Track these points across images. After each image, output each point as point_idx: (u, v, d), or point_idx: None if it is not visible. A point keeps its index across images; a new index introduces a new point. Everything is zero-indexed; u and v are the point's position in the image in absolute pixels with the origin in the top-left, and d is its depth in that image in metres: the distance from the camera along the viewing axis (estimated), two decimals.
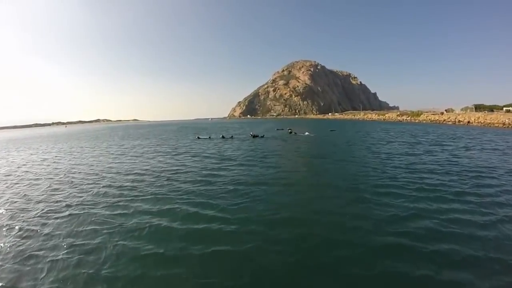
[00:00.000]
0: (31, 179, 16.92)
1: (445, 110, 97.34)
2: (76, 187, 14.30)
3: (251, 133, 44.39)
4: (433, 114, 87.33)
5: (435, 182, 12.85)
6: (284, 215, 9.50)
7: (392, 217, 9.10)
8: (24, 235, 8.66)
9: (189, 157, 22.73)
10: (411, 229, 8.22)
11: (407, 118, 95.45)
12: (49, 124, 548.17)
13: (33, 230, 9.01)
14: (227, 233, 8.33)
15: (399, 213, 9.35)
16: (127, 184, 14.34)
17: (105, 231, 8.69)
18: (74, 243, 7.93)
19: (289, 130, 47.34)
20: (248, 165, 17.80)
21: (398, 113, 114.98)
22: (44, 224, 9.43)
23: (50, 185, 14.97)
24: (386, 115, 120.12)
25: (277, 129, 58.55)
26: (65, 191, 13.63)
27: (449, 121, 72.28)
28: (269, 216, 9.43)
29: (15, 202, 12.20)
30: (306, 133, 43.84)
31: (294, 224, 8.86)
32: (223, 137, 40.03)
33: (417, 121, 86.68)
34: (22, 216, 10.35)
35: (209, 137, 41.31)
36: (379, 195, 11.15)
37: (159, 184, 14.09)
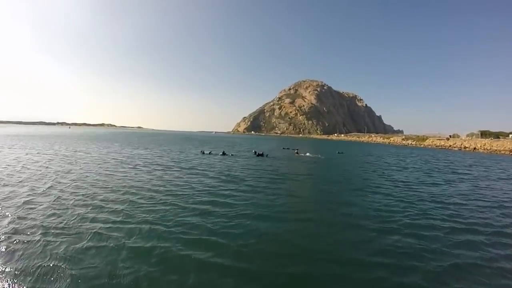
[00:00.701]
0: (9, 184, 14.76)
1: (449, 136, 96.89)
2: (53, 203, 11.51)
3: (254, 151, 41.76)
4: (439, 139, 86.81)
5: (470, 220, 11.39)
6: (300, 267, 7.09)
7: (451, 268, 7.25)
8: None
9: (189, 175, 19.90)
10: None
11: (412, 143, 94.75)
12: (53, 124, 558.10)
13: None
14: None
15: (457, 262, 7.58)
16: (108, 205, 11.51)
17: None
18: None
19: (296, 151, 45.32)
20: (253, 191, 15.10)
21: (403, 137, 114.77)
22: None
23: (28, 191, 13.28)
24: (391, 138, 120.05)
25: (283, 148, 56.01)
26: (38, 205, 11.24)
27: (455, 147, 71.66)
28: (281, 269, 6.98)
29: None
30: (313, 155, 41.91)
31: (312, 278, 6.71)
32: (224, 153, 37.20)
33: (422, 145, 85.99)
34: None
35: (210, 153, 38.21)
36: (419, 238, 9.18)
37: (147, 208, 11.27)
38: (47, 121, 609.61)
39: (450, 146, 74.56)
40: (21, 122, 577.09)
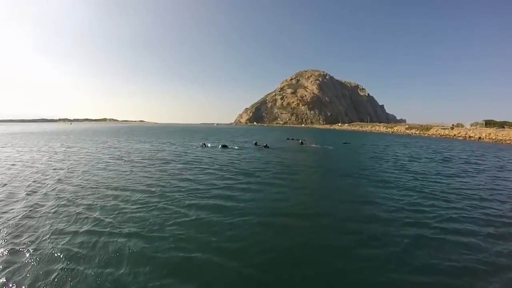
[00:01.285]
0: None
1: (452, 125, 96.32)
2: (30, 205, 10.76)
3: (255, 142, 40.71)
4: (443, 129, 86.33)
5: (498, 213, 10.78)
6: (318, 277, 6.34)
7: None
8: None
9: (193, 169, 18.38)
10: None
11: (416, 132, 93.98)
12: (55, 120, 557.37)
13: None
14: None
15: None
16: (94, 208, 10.50)
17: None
18: None
19: (301, 141, 44.29)
20: (259, 188, 13.54)
21: (407, 126, 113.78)
22: None
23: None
24: (394, 128, 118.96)
25: (288, 139, 53.68)
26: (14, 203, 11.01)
27: (459, 136, 71.14)
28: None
29: None
30: (318, 145, 40.51)
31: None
32: (224, 146, 35.30)
33: (426, 135, 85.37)
34: None
35: (208, 145, 36.22)
36: (456, 234, 8.65)
37: (145, 208, 10.30)
38: (48, 118, 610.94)
39: (454, 135, 73.99)
40: (24, 120, 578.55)
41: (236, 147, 34.64)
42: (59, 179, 14.82)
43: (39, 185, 13.72)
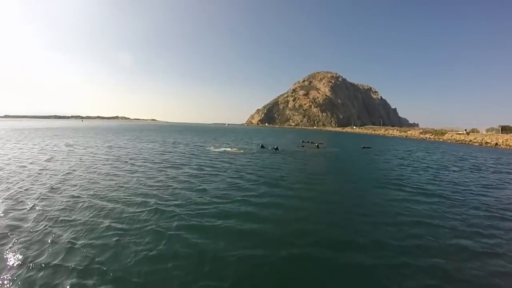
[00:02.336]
0: None
1: (465, 130, 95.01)
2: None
3: (262, 144, 37.60)
4: (458, 134, 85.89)
5: None
6: None
7: None
8: None
9: (196, 176, 16.53)
10: None
11: (431, 136, 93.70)
12: (67, 117, 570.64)
13: None
14: None
15: None
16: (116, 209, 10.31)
17: None
18: None
19: (317, 145, 41.86)
20: (281, 203, 11.80)
21: (421, 130, 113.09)
22: None
23: None
24: (408, 132, 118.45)
25: (303, 142, 49.37)
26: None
27: (475, 142, 70.80)
28: None
29: None
30: (337, 149, 39.10)
31: None
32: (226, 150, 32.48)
33: (441, 139, 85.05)
34: None
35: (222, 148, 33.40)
36: None
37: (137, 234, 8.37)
38: (61, 115, 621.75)
39: (470, 141, 73.57)
40: (36, 116, 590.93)
41: (241, 151, 31.49)
42: (51, 187, 12.98)
43: (22, 195, 11.89)
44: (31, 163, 19.64)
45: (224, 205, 11.17)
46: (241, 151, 31.40)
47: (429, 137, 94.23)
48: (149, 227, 8.75)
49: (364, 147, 44.98)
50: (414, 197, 13.81)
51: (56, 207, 10.47)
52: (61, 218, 9.32)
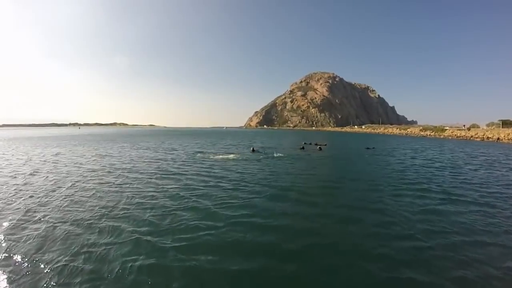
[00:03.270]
0: None
1: (463, 126, 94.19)
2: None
3: (253, 148, 35.91)
4: (459, 130, 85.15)
5: None
6: None
7: None
8: None
9: (190, 189, 14.34)
10: None
11: (431, 134, 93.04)
12: (65, 125, 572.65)
13: None
14: None
15: None
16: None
17: None
18: None
19: (319, 147, 39.50)
20: (289, 225, 9.42)
21: (421, 128, 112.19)
22: None
23: None
24: (408, 129, 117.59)
25: (304, 143, 46.12)
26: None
27: (477, 138, 69.98)
28: None
29: None
30: (341, 151, 36.83)
31: None
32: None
33: (442, 136, 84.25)
34: None
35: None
36: None
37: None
38: (59, 122, 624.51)
39: (471, 136, 72.81)
40: (33, 124, 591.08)
41: (239, 156, 28.87)
42: (25, 211, 10.85)
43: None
44: (13, 177, 17.97)
45: (230, 232, 8.69)
46: (239, 156, 28.63)
47: (429, 134, 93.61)
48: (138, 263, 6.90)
49: (368, 148, 42.23)
50: (447, 205, 12.05)
51: (23, 242, 8.19)
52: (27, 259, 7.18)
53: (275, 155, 30.07)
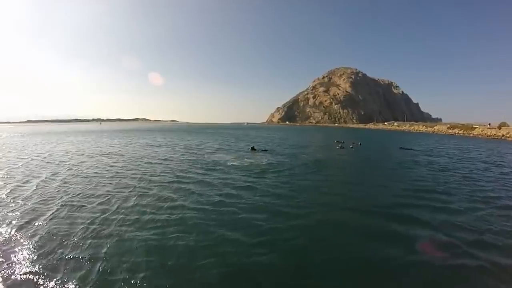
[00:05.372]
0: None
1: (489, 124, 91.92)
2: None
3: (252, 146, 33.66)
4: (489, 129, 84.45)
5: None
6: None
7: None
8: None
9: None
10: None
11: (459, 132, 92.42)
12: (88, 120, 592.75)
13: None
14: None
15: None
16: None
17: None
18: None
19: (351, 146, 36.74)
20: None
21: (449, 125, 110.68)
22: None
23: None
24: (435, 127, 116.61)
25: (338, 142, 42.75)
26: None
27: (508, 137, 69.81)
28: None
29: None
30: (374, 151, 33.90)
31: None
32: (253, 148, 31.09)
33: (471, 135, 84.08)
34: None
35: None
36: None
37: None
38: (82, 118, 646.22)
39: (503, 136, 72.22)
40: (57, 120, 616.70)
41: (266, 159, 25.24)
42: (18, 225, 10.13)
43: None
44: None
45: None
46: (266, 160, 25.03)
47: (457, 132, 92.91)
48: None
49: (403, 148, 37.78)
50: None
51: None
52: None
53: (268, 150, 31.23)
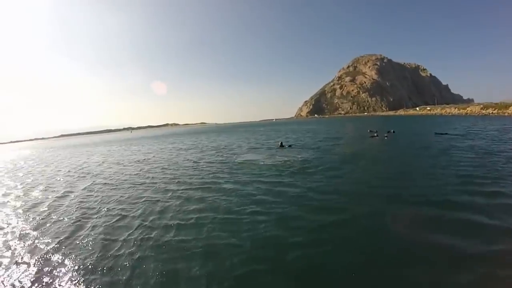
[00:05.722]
0: None
1: None
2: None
3: (281, 142, 31.75)
4: None
5: None
6: None
7: None
8: None
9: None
10: None
11: (494, 112, 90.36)
12: (119, 130, 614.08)
13: None
14: None
15: None
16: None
17: None
18: None
19: (385, 135, 35.09)
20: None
21: (482, 106, 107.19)
22: None
23: None
24: (467, 108, 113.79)
25: (370, 131, 41.21)
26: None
27: None
28: None
29: None
30: (409, 138, 32.48)
31: None
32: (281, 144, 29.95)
33: (506, 114, 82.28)
34: None
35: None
36: None
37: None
38: (113, 128, 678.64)
39: None
40: (89, 132, 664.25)
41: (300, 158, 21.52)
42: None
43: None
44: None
45: None
46: (300, 156, 22.60)
47: (491, 113, 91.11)
48: None
49: (438, 133, 35.20)
50: None
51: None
52: None
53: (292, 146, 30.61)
